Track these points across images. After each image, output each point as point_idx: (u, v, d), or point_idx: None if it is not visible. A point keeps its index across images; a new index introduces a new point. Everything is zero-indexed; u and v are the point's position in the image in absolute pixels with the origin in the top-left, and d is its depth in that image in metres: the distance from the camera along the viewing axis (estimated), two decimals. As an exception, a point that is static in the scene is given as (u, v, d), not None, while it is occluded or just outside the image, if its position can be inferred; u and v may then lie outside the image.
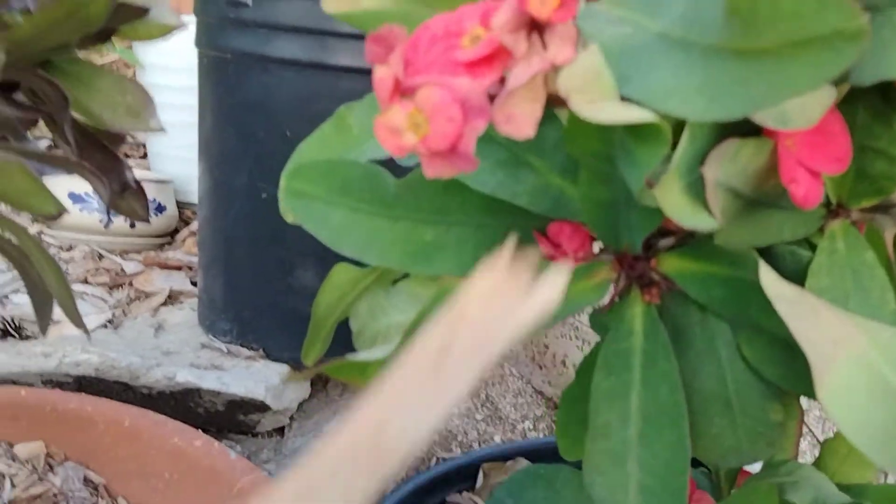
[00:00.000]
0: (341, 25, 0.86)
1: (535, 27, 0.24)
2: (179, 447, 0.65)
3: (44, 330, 0.37)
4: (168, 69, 1.40)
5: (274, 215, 1.01)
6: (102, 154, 0.40)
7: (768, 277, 0.27)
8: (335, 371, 0.28)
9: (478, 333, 0.17)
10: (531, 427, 1.06)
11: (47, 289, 0.35)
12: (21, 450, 0.65)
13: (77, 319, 0.36)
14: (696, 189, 0.26)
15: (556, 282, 0.17)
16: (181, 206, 1.36)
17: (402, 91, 0.25)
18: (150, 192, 1.23)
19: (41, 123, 0.41)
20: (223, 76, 0.94)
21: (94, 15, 0.33)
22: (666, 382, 0.32)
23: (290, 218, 0.37)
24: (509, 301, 0.17)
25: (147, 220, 0.40)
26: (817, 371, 0.25)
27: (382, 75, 0.25)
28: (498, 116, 0.23)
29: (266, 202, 0.93)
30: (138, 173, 1.33)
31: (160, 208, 1.24)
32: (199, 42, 0.96)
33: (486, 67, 0.24)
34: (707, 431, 0.35)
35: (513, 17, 0.23)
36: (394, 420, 0.16)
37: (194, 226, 1.32)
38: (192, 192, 1.32)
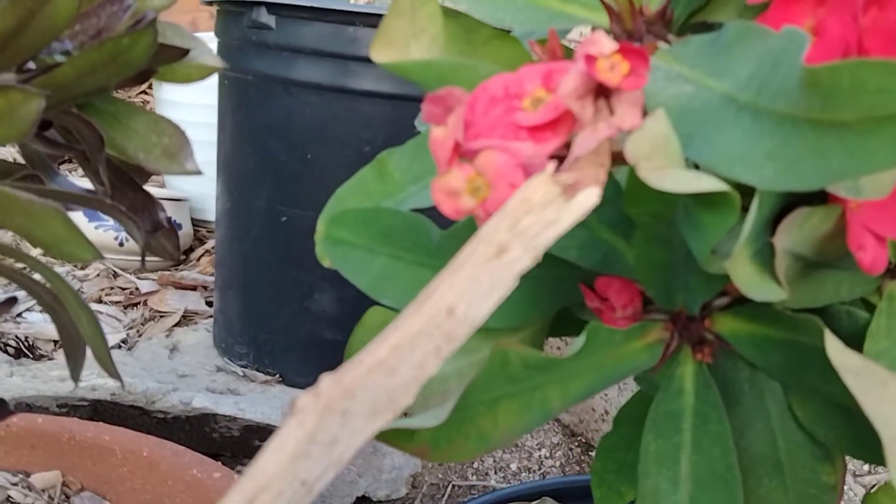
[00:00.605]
0: (363, 50, 0.86)
1: (602, 91, 0.23)
2: (198, 479, 0.64)
3: (75, 378, 0.36)
4: (185, 86, 1.39)
5: (293, 238, 1.00)
6: (134, 193, 0.40)
7: (834, 347, 0.26)
8: (384, 437, 0.27)
9: (529, 230, 0.21)
10: (548, 455, 1.05)
11: (80, 335, 0.34)
12: (37, 479, 0.65)
13: (112, 370, 0.35)
14: (762, 256, 0.25)
15: (590, 194, 0.22)
16: (196, 223, 1.35)
17: (462, 154, 0.24)
18: (166, 209, 1.22)
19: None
20: (244, 97, 0.94)
21: (136, 58, 0.32)
22: (718, 445, 0.31)
23: (326, 263, 0.37)
24: (554, 206, 0.22)
25: (177, 260, 0.40)
26: (889, 449, 0.24)
27: (440, 136, 0.24)
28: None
29: (285, 225, 0.93)
30: (154, 191, 1.33)
31: (176, 226, 1.24)
32: (220, 63, 0.96)
33: (551, 132, 0.23)
34: (755, 491, 0.34)
35: (580, 83, 0.22)
36: (461, 304, 0.20)
37: (209, 244, 1.31)
38: (208, 210, 1.31)
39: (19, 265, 0.37)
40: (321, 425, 0.19)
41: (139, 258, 1.20)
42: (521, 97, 0.24)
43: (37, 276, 0.37)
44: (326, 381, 0.19)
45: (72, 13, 0.31)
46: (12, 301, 0.32)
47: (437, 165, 0.24)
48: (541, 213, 0.22)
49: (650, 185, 0.23)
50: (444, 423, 0.27)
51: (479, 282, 0.21)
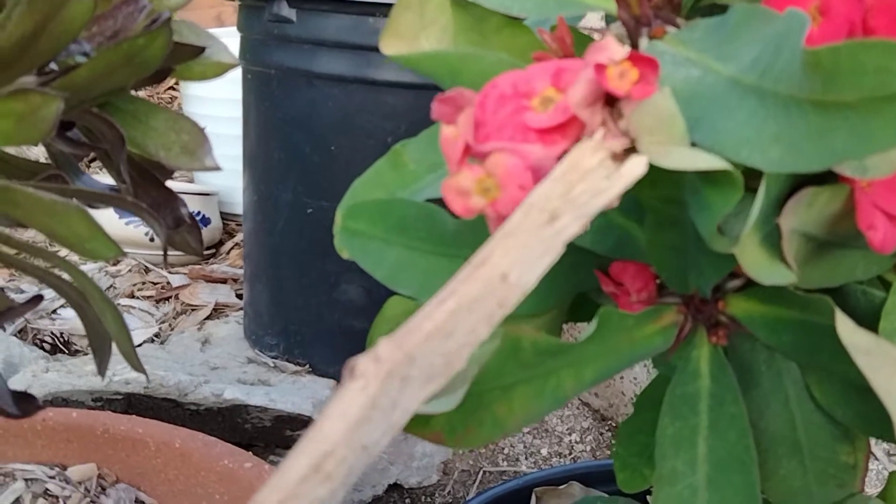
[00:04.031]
0: (385, 40, 0.86)
1: (611, 96, 0.23)
2: (230, 469, 0.65)
3: (102, 372, 0.37)
4: (210, 81, 1.41)
5: (319, 229, 1.01)
6: (156, 190, 0.40)
7: (845, 327, 0.26)
8: (399, 424, 0.27)
9: (580, 198, 0.22)
10: (578, 440, 1.05)
11: (106, 331, 0.35)
12: (74, 472, 0.66)
13: (136, 363, 0.36)
14: (772, 239, 0.26)
15: (638, 162, 0.22)
16: (225, 217, 1.37)
17: (473, 155, 0.24)
18: (195, 204, 1.24)
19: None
20: (267, 91, 0.94)
21: (152, 58, 0.33)
22: (734, 427, 0.31)
23: (345, 255, 0.37)
24: (603, 173, 0.22)
25: (201, 255, 0.40)
26: (900, 427, 0.25)
27: (450, 136, 0.24)
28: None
29: (311, 216, 0.93)
30: (183, 186, 1.34)
31: (205, 221, 1.25)
32: (244, 57, 0.96)
33: (560, 135, 0.23)
34: (774, 472, 0.35)
35: (590, 91, 0.23)
36: (514, 270, 0.21)
37: (239, 237, 1.32)
38: (236, 204, 1.33)
39: (46, 264, 0.38)
40: (383, 391, 0.19)
41: (169, 251, 1.22)
42: (530, 96, 0.24)
43: (64, 275, 0.38)
44: (386, 345, 0.20)
45: (88, 16, 0.31)
46: (38, 299, 0.33)
47: (448, 165, 0.24)
48: (592, 180, 0.22)
49: (650, 161, 0.23)
50: (460, 410, 0.28)
51: (531, 248, 0.21)
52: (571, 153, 0.23)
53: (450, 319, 0.20)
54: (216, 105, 1.37)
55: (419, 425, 0.28)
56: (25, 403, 0.33)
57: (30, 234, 0.91)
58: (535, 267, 0.21)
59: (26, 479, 0.65)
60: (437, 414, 0.28)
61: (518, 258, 0.21)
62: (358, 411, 0.19)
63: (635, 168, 0.22)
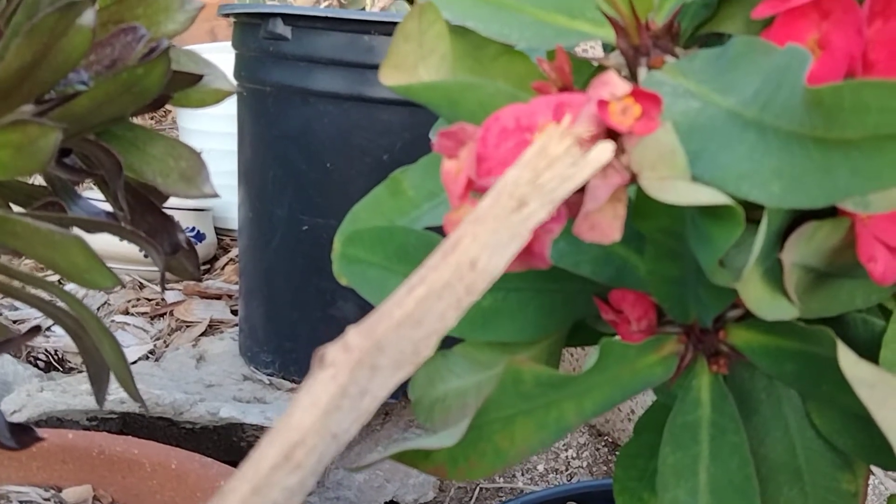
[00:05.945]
0: (379, 58, 0.86)
1: (613, 132, 0.23)
2: (226, 490, 0.65)
3: (100, 402, 0.37)
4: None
5: (315, 246, 1.01)
6: (153, 215, 0.40)
7: (847, 360, 0.26)
8: (400, 457, 0.27)
9: (548, 184, 0.22)
10: (575, 455, 1.05)
11: (104, 359, 0.35)
12: (69, 494, 0.66)
13: (134, 392, 0.36)
14: (773, 273, 0.26)
15: (604, 149, 0.22)
16: (219, 232, 1.36)
17: (475, 189, 0.24)
18: (189, 220, 1.23)
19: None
20: (263, 108, 0.94)
21: (150, 87, 0.33)
22: (736, 456, 0.31)
23: (343, 281, 0.37)
24: (570, 159, 0.22)
25: (199, 280, 0.40)
26: (903, 462, 0.24)
27: (452, 170, 0.24)
28: (581, 226, 0.22)
29: (307, 233, 0.93)
30: (177, 201, 1.34)
31: (199, 236, 1.25)
32: (238, 75, 0.96)
33: None
34: (775, 500, 0.34)
35: (592, 127, 0.22)
36: (483, 256, 0.21)
37: (234, 253, 1.32)
38: (231, 219, 1.32)
39: (43, 292, 0.37)
40: (352, 380, 0.19)
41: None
42: (532, 130, 0.24)
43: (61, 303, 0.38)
44: (355, 334, 0.20)
45: (86, 46, 0.31)
46: (36, 330, 0.33)
47: (450, 200, 0.24)
48: (559, 167, 0.22)
49: (650, 195, 0.23)
50: (461, 442, 0.28)
51: (499, 234, 0.21)
52: (539, 140, 0.23)
53: (419, 307, 0.20)
54: (211, 121, 1.37)
55: (421, 459, 0.28)
56: (22, 435, 0.33)
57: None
58: (503, 253, 0.21)
59: (21, 502, 0.65)
60: (439, 449, 0.27)
61: (487, 244, 0.21)
62: (328, 400, 0.19)
63: (601, 155, 0.22)
